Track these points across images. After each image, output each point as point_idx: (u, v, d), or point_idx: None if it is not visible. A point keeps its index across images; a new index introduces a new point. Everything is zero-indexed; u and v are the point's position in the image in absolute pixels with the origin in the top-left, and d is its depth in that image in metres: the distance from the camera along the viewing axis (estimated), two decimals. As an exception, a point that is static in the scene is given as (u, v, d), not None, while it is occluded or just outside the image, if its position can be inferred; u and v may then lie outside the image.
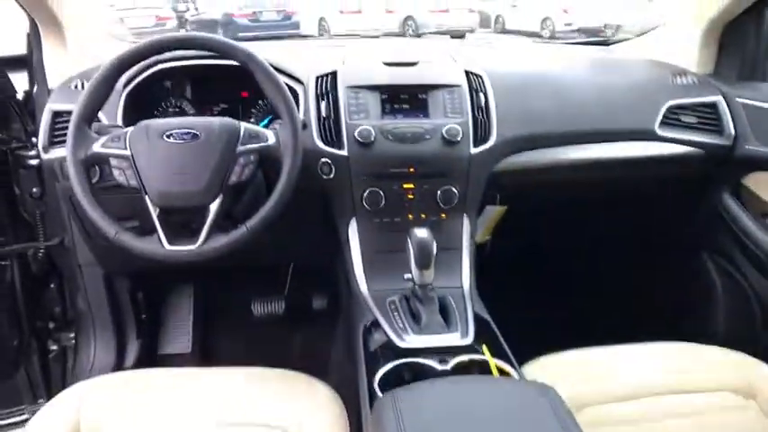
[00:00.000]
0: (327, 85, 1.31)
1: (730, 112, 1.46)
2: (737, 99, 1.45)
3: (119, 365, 1.62)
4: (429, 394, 0.77)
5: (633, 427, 1.00)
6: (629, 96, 1.48)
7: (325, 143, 1.26)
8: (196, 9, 12.79)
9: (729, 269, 1.53)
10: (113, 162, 1.03)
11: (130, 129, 1.05)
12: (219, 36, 1.10)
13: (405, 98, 1.30)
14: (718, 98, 1.47)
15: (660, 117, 1.43)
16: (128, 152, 1.02)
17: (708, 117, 1.46)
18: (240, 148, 1.05)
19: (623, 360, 1.17)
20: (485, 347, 1.01)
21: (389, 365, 0.98)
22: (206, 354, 1.89)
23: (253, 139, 1.07)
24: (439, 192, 1.27)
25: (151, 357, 1.76)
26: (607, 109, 1.44)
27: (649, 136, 1.42)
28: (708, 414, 1.04)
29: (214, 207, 1.03)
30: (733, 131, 1.44)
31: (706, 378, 1.11)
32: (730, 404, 1.06)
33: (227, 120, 1.08)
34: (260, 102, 1.44)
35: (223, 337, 1.97)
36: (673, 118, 1.45)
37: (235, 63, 1.10)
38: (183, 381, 1.12)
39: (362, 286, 1.24)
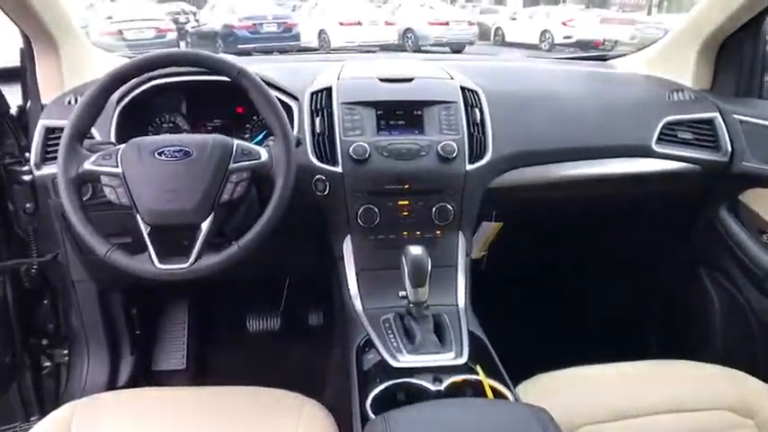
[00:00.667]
0: (322, 101, 1.30)
1: (727, 128, 1.46)
2: (734, 115, 1.45)
3: (113, 382, 1.60)
4: (420, 418, 0.76)
5: None
6: (625, 112, 1.48)
7: (319, 160, 1.25)
8: (197, 21, 12.87)
9: (727, 285, 1.52)
10: (104, 180, 1.02)
11: (122, 146, 1.04)
12: (211, 52, 1.10)
13: (400, 114, 1.29)
14: (715, 114, 1.47)
15: (657, 133, 1.43)
16: (119, 170, 1.01)
17: (704, 133, 1.46)
18: (233, 165, 1.04)
19: (619, 378, 1.15)
20: (479, 368, 1.00)
21: (382, 386, 0.97)
22: (201, 370, 1.88)
23: (245, 157, 1.06)
24: (434, 208, 1.26)
25: (145, 373, 1.75)
26: (603, 125, 1.44)
27: (646, 152, 1.42)
28: None
29: (205, 225, 1.02)
30: (730, 148, 1.44)
31: (703, 397, 1.10)
32: (728, 423, 1.05)
33: (220, 137, 1.08)
34: (254, 117, 1.43)
35: (218, 352, 1.95)
36: (669, 134, 1.45)
37: (226, 79, 1.09)
38: (176, 400, 1.11)
39: (357, 304, 1.23)
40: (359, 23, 12.06)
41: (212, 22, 11.77)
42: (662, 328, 1.76)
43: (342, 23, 12.00)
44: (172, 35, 10.97)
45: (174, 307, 1.92)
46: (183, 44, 11.21)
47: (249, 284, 1.87)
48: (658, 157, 1.43)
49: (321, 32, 12.34)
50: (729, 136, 1.45)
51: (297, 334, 1.96)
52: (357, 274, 1.26)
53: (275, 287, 1.94)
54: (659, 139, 1.43)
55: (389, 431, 0.72)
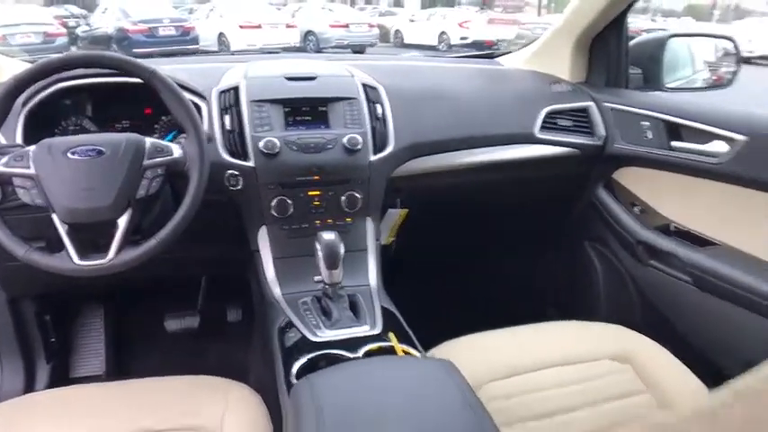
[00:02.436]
0: (230, 99, 1.34)
1: (600, 115, 1.63)
2: (605, 104, 1.63)
3: (29, 391, 1.56)
4: (341, 375, 0.84)
5: (525, 397, 1.11)
6: (512, 104, 1.62)
7: (231, 155, 1.29)
8: (88, 25, 12.26)
9: (607, 255, 1.70)
10: (17, 182, 1.02)
11: (33, 147, 1.05)
12: (122, 54, 1.12)
13: (306, 110, 1.35)
14: (590, 103, 1.65)
15: (540, 121, 1.59)
16: (32, 171, 1.02)
17: (581, 120, 1.63)
18: (147, 162, 1.07)
19: (518, 340, 1.27)
20: (391, 334, 1.09)
21: (304, 358, 1.03)
22: (120, 373, 1.85)
23: (159, 154, 1.09)
24: (343, 197, 1.33)
25: (63, 381, 1.71)
26: (493, 116, 1.57)
27: (531, 139, 1.57)
28: (590, 380, 1.16)
29: (123, 221, 1.05)
30: (603, 132, 1.62)
31: (588, 349, 1.24)
32: (609, 370, 1.19)
33: (132, 135, 1.10)
34: (163, 118, 1.45)
35: (137, 355, 1.93)
36: (551, 122, 1.60)
37: (137, 80, 1.12)
38: (97, 395, 1.11)
39: (275, 290, 1.28)
40: (259, 26, 11.95)
41: (105, 25, 11.26)
42: (556, 296, 1.93)
43: (242, 26, 11.85)
44: (62, 40, 10.39)
45: (89, 312, 1.89)
46: (74, 48, 10.65)
47: (166, 285, 1.87)
48: (542, 143, 1.58)
49: (221, 35, 12.12)
50: (603, 122, 1.62)
51: (216, 331, 1.97)
52: (274, 263, 1.31)
53: (192, 286, 1.94)
54: (542, 127, 1.58)
55: (313, 389, 0.79)
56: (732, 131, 1.29)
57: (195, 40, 11.54)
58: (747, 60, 16.81)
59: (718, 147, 1.33)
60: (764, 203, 1.25)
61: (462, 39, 14.42)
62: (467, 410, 0.75)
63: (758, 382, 0.34)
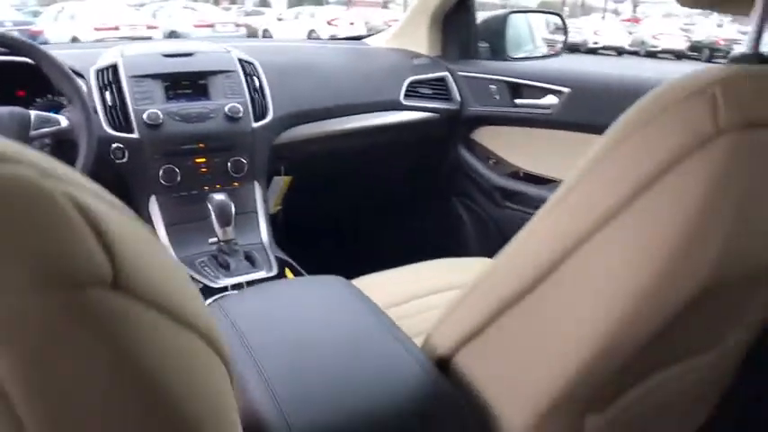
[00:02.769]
0: (109, 76, 1.36)
1: (456, 83, 1.85)
2: (459, 73, 1.85)
3: None
4: (248, 294, 0.94)
5: (417, 317, 1.26)
6: (378, 76, 1.79)
7: (114, 129, 1.32)
8: None
9: (472, 206, 1.92)
10: None
11: None
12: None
13: (186, 84, 1.41)
14: (446, 74, 1.86)
15: (404, 90, 1.77)
16: None
17: (439, 88, 1.84)
18: (33, 133, 1.10)
19: (406, 277, 1.42)
20: (287, 270, 1.20)
21: (209, 300, 1.12)
22: None
23: (45, 124, 1.12)
24: (229, 163, 1.41)
25: None
26: (362, 86, 1.73)
27: (397, 106, 1.75)
28: None
29: None
30: (459, 98, 1.84)
31: (462, 278, 1.38)
32: None
33: (15, 108, 1.12)
34: (38, 99, 1.45)
35: None
36: (413, 91, 1.79)
37: (19, 59, 1.13)
38: None
39: (171, 253, 1.34)
40: (116, 28, 11.36)
41: (-65, 30, 10.18)
42: (434, 241, 2.13)
43: (97, 29, 11.19)
44: None
45: None
46: None
47: None
48: (407, 110, 1.77)
49: (74, 39, 11.36)
50: (458, 89, 1.85)
51: None
52: (166, 229, 1.36)
53: None
54: (406, 95, 1.77)
55: (224, 309, 0.87)
56: (559, 85, 1.54)
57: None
58: (594, 51, 18.58)
59: (551, 99, 1.58)
60: (588, 142, 1.50)
61: (332, 37, 14.59)
62: (369, 314, 0.86)
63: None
